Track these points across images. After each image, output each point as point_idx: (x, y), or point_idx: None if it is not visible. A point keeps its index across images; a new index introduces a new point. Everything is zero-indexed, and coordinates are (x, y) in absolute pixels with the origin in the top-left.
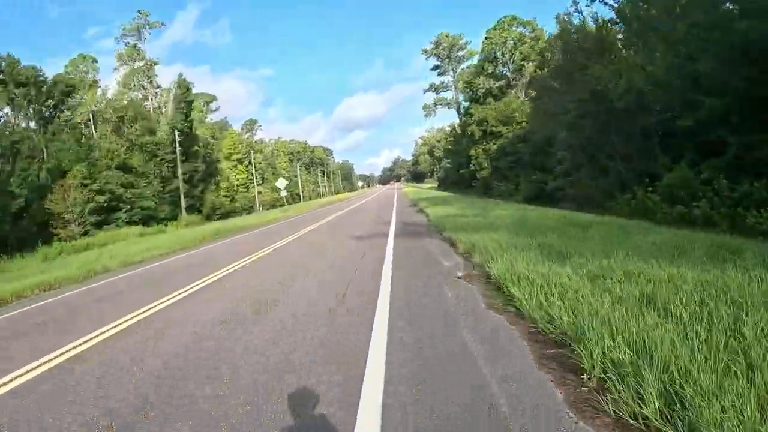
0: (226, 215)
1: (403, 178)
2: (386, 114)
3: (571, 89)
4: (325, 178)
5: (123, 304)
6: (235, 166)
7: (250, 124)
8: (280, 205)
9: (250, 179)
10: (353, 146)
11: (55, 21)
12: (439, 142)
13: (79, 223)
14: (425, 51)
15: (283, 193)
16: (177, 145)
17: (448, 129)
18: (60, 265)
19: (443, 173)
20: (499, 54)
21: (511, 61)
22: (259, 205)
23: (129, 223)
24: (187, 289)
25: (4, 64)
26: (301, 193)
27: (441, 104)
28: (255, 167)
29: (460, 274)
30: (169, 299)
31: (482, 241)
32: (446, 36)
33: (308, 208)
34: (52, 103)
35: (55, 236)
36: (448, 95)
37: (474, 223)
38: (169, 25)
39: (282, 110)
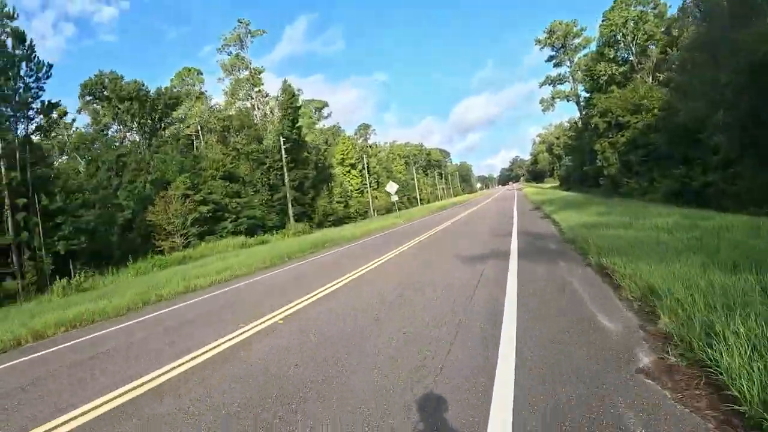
0: (339, 221)
1: (522, 178)
2: (502, 114)
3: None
4: (443, 180)
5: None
6: (349, 171)
7: (364, 129)
8: (398, 209)
9: (365, 184)
10: (470, 148)
11: (173, 41)
12: (557, 138)
13: (182, 235)
14: (538, 41)
15: (394, 198)
16: (283, 152)
17: (567, 125)
18: (129, 286)
19: (564, 171)
20: (619, 36)
21: (634, 43)
22: (374, 210)
23: (234, 233)
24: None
25: (107, 80)
26: (418, 197)
27: (559, 97)
28: (369, 171)
29: (646, 361)
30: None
31: (669, 281)
32: (559, 24)
33: (423, 212)
34: (156, 116)
35: (157, 248)
36: (566, 87)
37: (630, 240)
38: (279, 38)
39: (397, 115)
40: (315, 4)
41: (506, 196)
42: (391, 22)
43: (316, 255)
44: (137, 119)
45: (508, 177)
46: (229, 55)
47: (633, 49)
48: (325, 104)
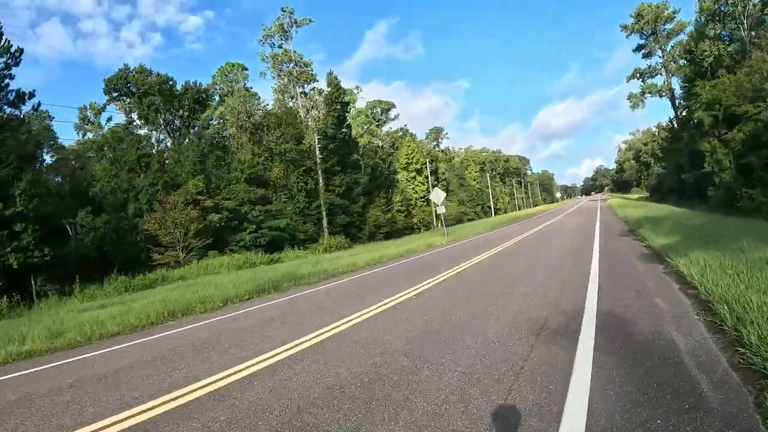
0: (399, 233)
1: (606, 188)
2: (585, 121)
3: None
4: (522, 188)
5: None
6: (414, 177)
7: (435, 133)
8: (468, 220)
9: (430, 191)
10: (553, 156)
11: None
12: (645, 145)
13: (184, 247)
14: (625, 27)
15: (440, 210)
16: (317, 151)
17: (655, 130)
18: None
19: (656, 180)
20: (728, 8)
21: (745, 14)
22: (438, 221)
23: (253, 246)
24: None
25: (133, 75)
26: (492, 206)
27: (650, 92)
28: (438, 178)
29: None
30: None
31: None
32: (648, 6)
33: (485, 227)
34: (184, 113)
35: (153, 263)
36: (658, 81)
37: None
38: (358, 44)
39: (479, 122)
40: (394, 8)
41: (588, 209)
42: (471, 28)
43: (246, 307)
44: (162, 116)
45: (591, 187)
46: (272, 46)
47: (745, 21)
48: (392, 105)
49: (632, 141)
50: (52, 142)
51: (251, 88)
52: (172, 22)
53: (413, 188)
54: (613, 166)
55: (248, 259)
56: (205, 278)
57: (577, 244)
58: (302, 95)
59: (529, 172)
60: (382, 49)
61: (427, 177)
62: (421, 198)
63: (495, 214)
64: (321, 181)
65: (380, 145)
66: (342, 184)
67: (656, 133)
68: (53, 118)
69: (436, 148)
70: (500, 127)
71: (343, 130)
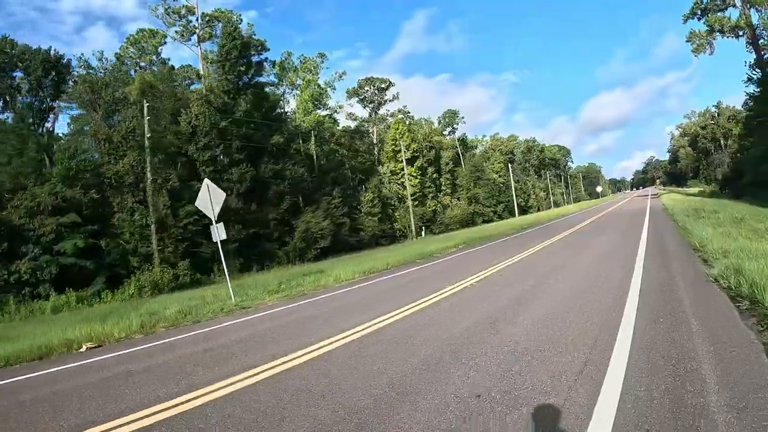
0: (365, 243)
1: (657, 181)
2: (635, 112)
3: None
4: (562, 183)
5: None
6: (404, 168)
7: (449, 117)
8: (484, 221)
9: (430, 186)
10: (602, 150)
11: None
12: (704, 128)
13: None
14: None
15: (219, 237)
16: (146, 129)
17: (715, 110)
18: None
19: (729, 168)
20: None
21: None
22: (427, 229)
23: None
24: None
25: None
26: (516, 205)
27: (720, 28)
28: (441, 169)
29: None
30: None
31: None
32: None
33: (497, 231)
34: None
35: None
36: (733, 15)
37: None
38: (398, 36)
39: (527, 114)
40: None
41: (633, 211)
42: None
43: None
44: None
45: (642, 180)
46: None
47: None
48: (390, 84)
49: (687, 125)
50: None
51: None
52: None
53: (402, 182)
54: (665, 156)
55: None
56: None
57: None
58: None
59: (571, 164)
60: (421, 41)
61: (422, 168)
62: (416, 195)
63: (526, 212)
64: (149, 176)
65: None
66: (243, 179)
67: (716, 114)
68: None
69: (450, 135)
70: (547, 119)
71: (242, 97)
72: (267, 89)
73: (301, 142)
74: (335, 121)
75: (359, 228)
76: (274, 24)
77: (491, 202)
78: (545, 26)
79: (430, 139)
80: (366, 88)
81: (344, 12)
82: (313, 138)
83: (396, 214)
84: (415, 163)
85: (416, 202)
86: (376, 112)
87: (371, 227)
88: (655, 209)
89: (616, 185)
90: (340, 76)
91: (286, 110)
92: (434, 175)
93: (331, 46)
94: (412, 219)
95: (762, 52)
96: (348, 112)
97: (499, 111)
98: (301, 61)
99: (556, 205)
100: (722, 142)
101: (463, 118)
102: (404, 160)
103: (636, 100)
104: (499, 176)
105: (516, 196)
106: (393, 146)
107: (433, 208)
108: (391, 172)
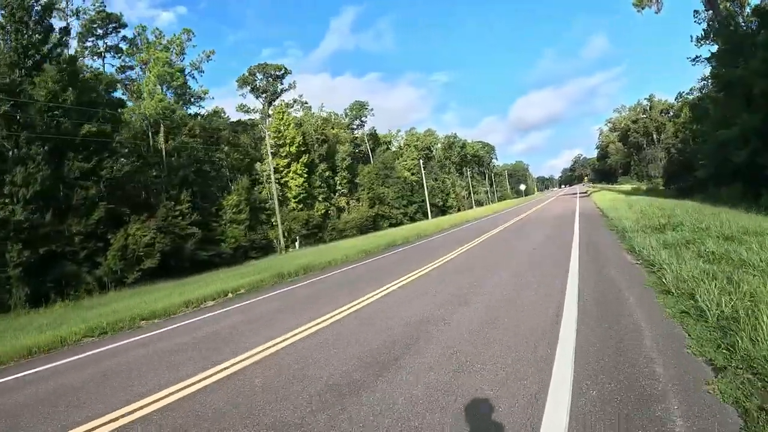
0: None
1: (586, 178)
2: (564, 111)
3: None
4: (486, 181)
5: None
6: (289, 165)
7: (357, 109)
8: (391, 225)
9: (321, 186)
10: (532, 148)
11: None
12: (635, 122)
13: None
14: None
15: None
16: None
17: (646, 103)
18: None
19: (675, 164)
20: None
21: None
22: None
23: None
24: None
25: None
26: (428, 208)
27: None
28: (335, 166)
29: None
30: None
31: None
32: None
33: (382, 242)
34: None
35: None
36: None
37: None
38: (326, 34)
39: (457, 114)
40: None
41: (557, 214)
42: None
43: None
44: None
45: (570, 178)
46: None
47: None
48: (285, 71)
49: (617, 120)
50: None
51: None
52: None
53: (286, 182)
54: (593, 154)
55: None
56: None
57: None
58: None
59: (495, 161)
60: (349, 39)
61: (310, 165)
62: (299, 198)
63: (445, 213)
64: None
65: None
66: (30, 182)
67: (649, 108)
68: None
69: (358, 130)
70: (477, 119)
71: (76, 81)
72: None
73: (150, 134)
74: (223, 113)
75: (220, 239)
76: (203, 19)
77: (401, 202)
78: (477, 26)
79: (323, 131)
80: (258, 76)
81: (275, 8)
82: (162, 129)
83: (273, 219)
84: (301, 159)
85: (300, 205)
86: (270, 102)
87: (235, 238)
88: (585, 206)
89: (544, 183)
90: (208, 56)
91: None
92: (327, 173)
93: (262, 44)
94: (280, 227)
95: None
96: (240, 104)
97: (428, 110)
98: (156, 36)
99: (479, 204)
100: (655, 136)
101: (372, 110)
102: (293, 157)
103: (565, 100)
104: (412, 174)
105: (433, 195)
106: (275, 139)
107: (323, 211)
108: (265, 170)
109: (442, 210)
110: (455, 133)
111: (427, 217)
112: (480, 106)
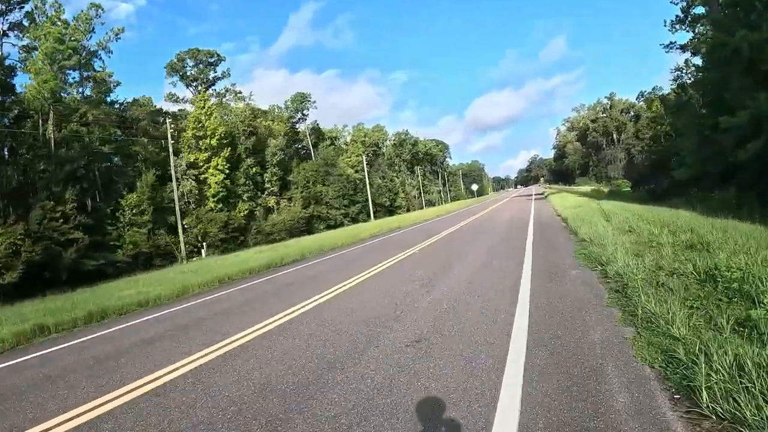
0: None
1: (542, 179)
2: (522, 112)
3: None
4: (440, 180)
5: None
6: (210, 159)
7: (298, 101)
8: (329, 227)
9: (247, 184)
10: (489, 148)
11: None
12: (594, 122)
13: None
14: None
15: None
16: None
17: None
18: None
19: (635, 167)
20: None
21: None
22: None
23: None
24: None
25: None
26: (371, 209)
27: None
28: (264, 161)
29: None
30: None
31: None
32: None
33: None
34: None
35: None
36: None
37: None
38: (285, 30)
39: (415, 113)
40: None
41: (502, 229)
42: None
43: None
44: None
45: (526, 178)
46: None
47: None
48: (219, 57)
49: (576, 119)
50: None
51: None
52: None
53: (205, 178)
54: (550, 155)
55: None
56: None
57: None
58: None
59: (449, 159)
60: (308, 35)
61: (232, 160)
62: (214, 196)
63: (392, 213)
64: None
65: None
66: None
67: (609, 107)
68: None
69: (300, 124)
70: (436, 118)
71: None
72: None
73: (41, 122)
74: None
75: (115, 245)
76: (164, 12)
77: (341, 202)
78: (438, 26)
79: (251, 123)
80: (188, 63)
81: (236, 3)
82: (51, 116)
83: (185, 222)
84: (223, 153)
85: (220, 205)
86: (201, 91)
87: (135, 243)
88: (543, 214)
89: (500, 183)
90: (117, 35)
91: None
92: (254, 170)
93: (224, 39)
94: (181, 232)
95: None
96: (168, 93)
97: (387, 108)
98: (55, 10)
99: (431, 204)
100: (615, 136)
101: (314, 102)
102: (213, 151)
103: (524, 101)
104: (356, 172)
105: (379, 194)
106: (195, 130)
107: (245, 212)
108: (187, 165)
109: (389, 210)
110: (407, 130)
111: (370, 218)
112: (439, 105)
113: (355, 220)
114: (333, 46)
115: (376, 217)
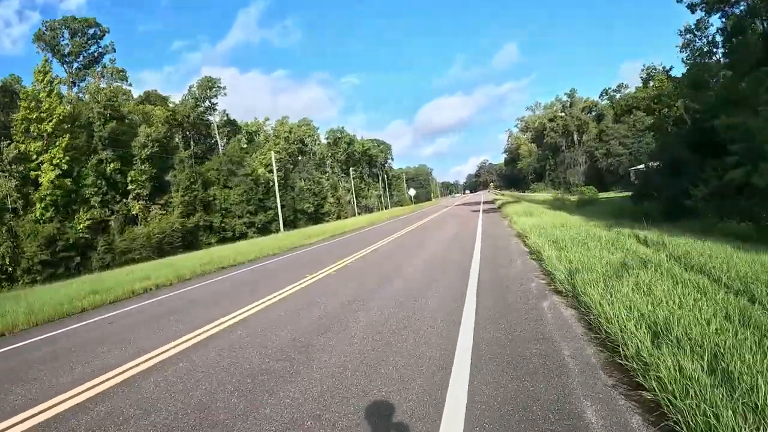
0: None
1: (492, 184)
2: (472, 118)
3: None
4: (381, 184)
5: None
6: (47, 150)
7: (206, 85)
8: (228, 238)
9: (97, 185)
10: (438, 153)
11: None
12: (552, 120)
13: None
14: None
15: None
16: None
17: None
18: None
19: (646, 177)
20: None
21: None
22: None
23: None
24: None
25: None
26: (280, 214)
27: None
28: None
29: None
30: None
31: None
32: None
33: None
34: None
35: None
36: None
37: None
38: (234, 28)
39: (365, 116)
40: None
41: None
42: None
43: None
44: None
45: (475, 184)
46: None
47: None
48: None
49: (531, 119)
50: None
51: None
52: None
53: (36, 176)
54: (502, 157)
55: None
56: None
57: None
58: None
59: (392, 162)
60: (256, 34)
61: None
62: (42, 200)
63: (319, 221)
64: None
65: None
66: None
67: (569, 104)
68: None
69: (210, 114)
70: (386, 122)
71: None
72: None
73: None
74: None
75: None
76: (115, 6)
77: (245, 208)
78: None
79: (112, 105)
80: (63, 34)
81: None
82: None
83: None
84: (59, 143)
85: (52, 212)
86: (83, 69)
87: None
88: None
89: (449, 188)
90: None
91: None
92: (111, 166)
93: (173, 36)
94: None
95: None
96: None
97: (336, 111)
98: None
99: (369, 210)
100: (576, 137)
101: (224, 89)
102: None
103: (474, 107)
104: (270, 172)
105: (301, 199)
106: (27, 110)
107: (86, 222)
108: (13, 158)
109: (314, 218)
110: (342, 127)
111: (281, 229)
112: (388, 109)
113: (264, 231)
114: (282, 45)
115: (295, 227)
